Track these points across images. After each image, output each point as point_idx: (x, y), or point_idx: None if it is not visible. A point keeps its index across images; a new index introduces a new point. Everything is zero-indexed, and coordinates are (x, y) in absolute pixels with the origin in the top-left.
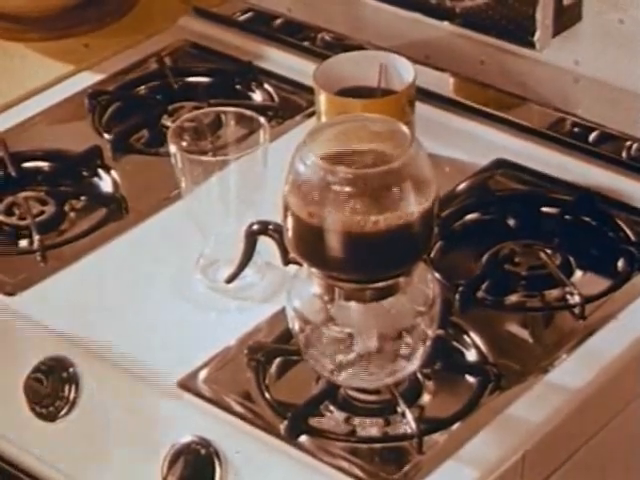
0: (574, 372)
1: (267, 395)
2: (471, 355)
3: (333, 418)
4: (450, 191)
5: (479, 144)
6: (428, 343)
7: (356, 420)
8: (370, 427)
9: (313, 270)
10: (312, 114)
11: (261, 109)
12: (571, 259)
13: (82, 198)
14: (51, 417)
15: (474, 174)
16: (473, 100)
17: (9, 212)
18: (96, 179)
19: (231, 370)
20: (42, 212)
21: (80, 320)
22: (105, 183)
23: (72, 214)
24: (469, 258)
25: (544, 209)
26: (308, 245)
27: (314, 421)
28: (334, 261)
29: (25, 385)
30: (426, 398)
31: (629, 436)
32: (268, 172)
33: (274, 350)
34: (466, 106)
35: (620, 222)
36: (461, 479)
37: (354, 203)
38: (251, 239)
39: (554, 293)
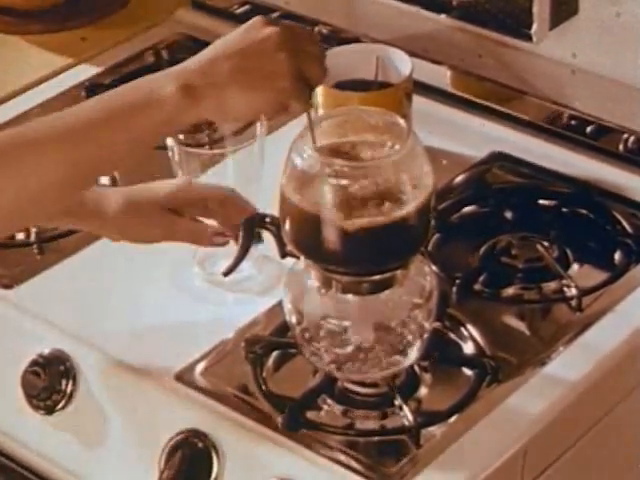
0: (571, 364)
1: (264, 388)
2: (468, 348)
3: (330, 411)
4: (447, 184)
5: (476, 137)
6: (425, 336)
7: (353, 413)
8: (367, 420)
9: (310, 263)
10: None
11: None
12: (568, 251)
13: None
14: (48, 410)
15: (471, 167)
16: (470, 93)
17: None
18: None
19: (228, 363)
20: None
21: (77, 313)
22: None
23: None
24: (466, 251)
25: (541, 202)
26: (305, 238)
27: (311, 414)
28: (331, 254)
29: (22, 378)
30: (423, 391)
31: (627, 428)
32: (265, 165)
33: (271, 343)
34: (463, 99)
35: (617, 214)
36: (458, 472)
37: (351, 195)
38: (248, 232)
39: (551, 285)
